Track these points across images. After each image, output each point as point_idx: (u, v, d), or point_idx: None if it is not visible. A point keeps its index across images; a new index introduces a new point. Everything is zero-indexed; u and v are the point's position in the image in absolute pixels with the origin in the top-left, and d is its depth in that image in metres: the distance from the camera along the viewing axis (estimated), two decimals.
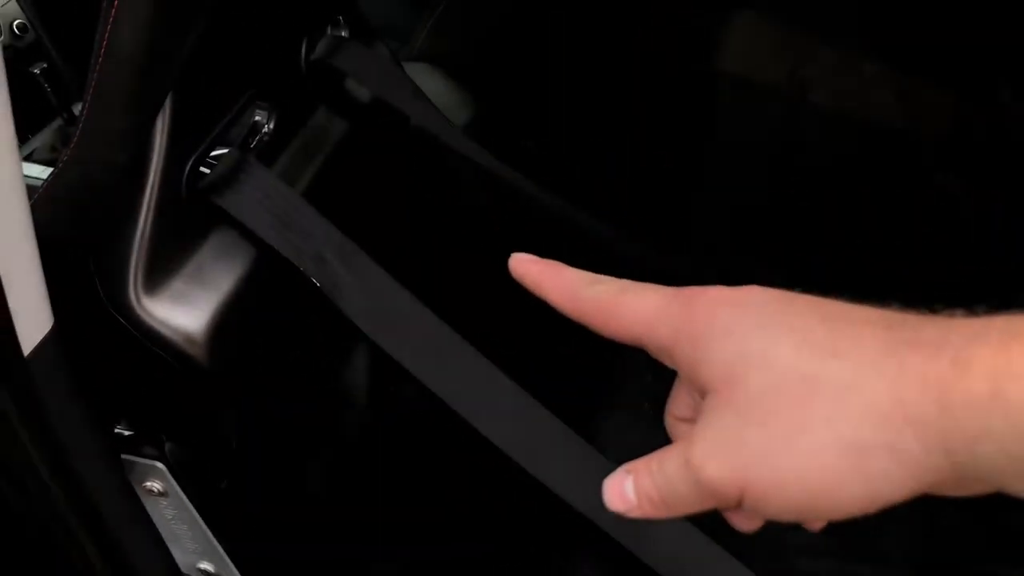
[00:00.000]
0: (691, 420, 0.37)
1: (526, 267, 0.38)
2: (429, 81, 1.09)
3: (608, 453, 0.73)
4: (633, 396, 0.85)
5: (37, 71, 1.11)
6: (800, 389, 0.30)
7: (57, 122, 1.36)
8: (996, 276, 0.96)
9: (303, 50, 0.69)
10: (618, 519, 0.66)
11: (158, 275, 0.60)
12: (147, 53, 0.52)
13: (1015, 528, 0.75)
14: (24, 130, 0.87)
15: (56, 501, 0.57)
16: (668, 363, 0.35)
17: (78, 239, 0.57)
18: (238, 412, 0.72)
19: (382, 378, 1.05)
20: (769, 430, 0.30)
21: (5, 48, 0.84)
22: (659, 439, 0.79)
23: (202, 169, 0.63)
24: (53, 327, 0.47)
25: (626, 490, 0.36)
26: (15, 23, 0.94)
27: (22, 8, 0.95)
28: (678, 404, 0.38)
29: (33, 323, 0.44)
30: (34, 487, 0.55)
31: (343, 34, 0.75)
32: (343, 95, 0.75)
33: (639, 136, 1.60)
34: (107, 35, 0.51)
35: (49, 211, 0.56)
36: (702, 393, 0.33)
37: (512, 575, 0.89)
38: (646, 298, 0.35)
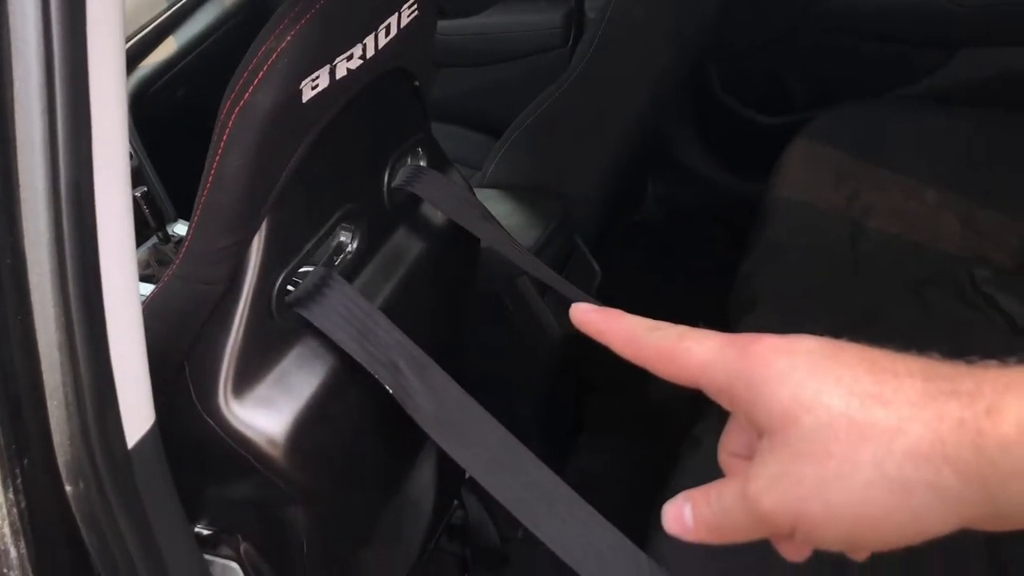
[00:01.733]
0: (743, 456, 0.40)
1: (588, 316, 0.42)
2: (498, 205, 1.16)
3: (668, 569, 0.74)
4: None
5: (138, 194, 1.21)
6: (850, 432, 0.33)
7: (152, 240, 1.46)
8: None
9: (386, 177, 0.75)
10: None
11: (245, 381, 0.64)
12: (251, 178, 0.58)
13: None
14: None
15: None
16: (724, 404, 0.38)
17: (177, 347, 0.63)
18: (309, 514, 0.75)
19: (448, 485, 1.07)
20: (822, 468, 0.33)
21: None
22: (718, 561, 0.79)
23: (289, 285, 0.68)
24: (153, 424, 0.51)
25: (685, 515, 0.38)
26: None
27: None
28: (731, 441, 0.41)
29: (137, 418, 0.49)
30: None
31: (422, 163, 0.81)
32: (420, 218, 0.81)
33: (696, 264, 1.64)
34: (216, 162, 0.57)
35: (154, 320, 0.62)
36: (758, 432, 0.36)
37: None
38: (704, 343, 0.38)
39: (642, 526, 0.88)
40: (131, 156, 1.09)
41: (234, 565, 0.77)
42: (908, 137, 1.40)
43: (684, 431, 1.00)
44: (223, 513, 0.77)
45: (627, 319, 0.41)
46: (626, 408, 1.45)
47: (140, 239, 1.35)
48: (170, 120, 1.58)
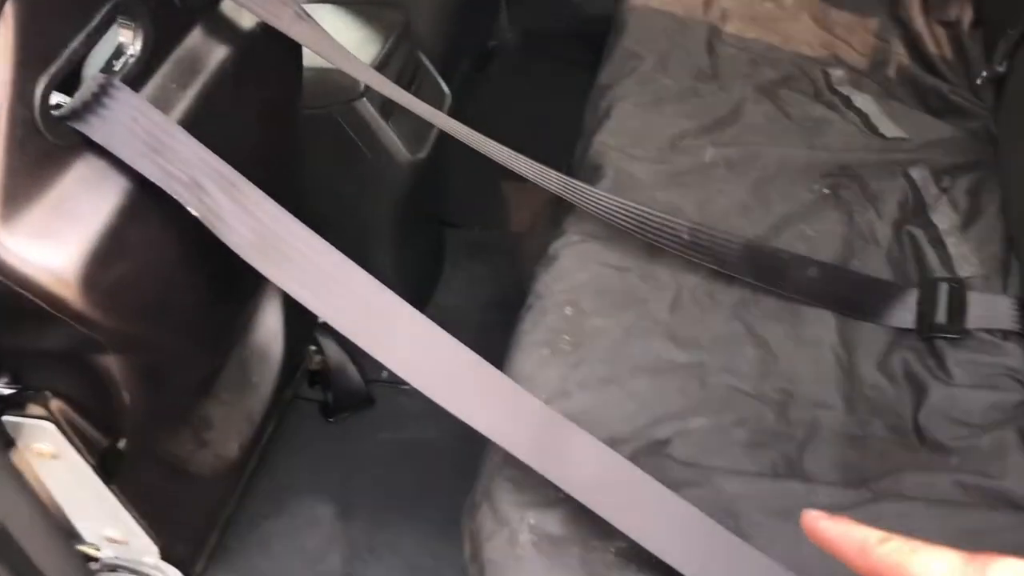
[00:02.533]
0: None
1: (818, 525, 0.39)
2: (330, 20, 1.04)
3: (525, 386, 0.70)
4: (553, 330, 0.82)
5: None
6: None
7: None
8: None
9: None
10: (534, 447, 0.63)
11: (16, 206, 0.55)
12: None
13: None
14: None
15: None
16: None
17: None
18: (125, 362, 0.67)
19: (299, 329, 1.01)
20: None
21: None
22: (575, 372, 0.76)
23: (61, 95, 0.58)
24: None
25: None
26: None
27: None
28: None
29: None
30: None
31: None
32: (220, 18, 0.70)
33: (555, 85, 1.57)
34: None
35: None
36: None
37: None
38: (939, 559, 0.34)
39: (503, 351, 0.85)
40: None
41: (47, 424, 0.69)
42: None
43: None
44: (25, 368, 0.68)
45: (859, 529, 0.37)
46: (487, 241, 1.40)
47: None
48: None
